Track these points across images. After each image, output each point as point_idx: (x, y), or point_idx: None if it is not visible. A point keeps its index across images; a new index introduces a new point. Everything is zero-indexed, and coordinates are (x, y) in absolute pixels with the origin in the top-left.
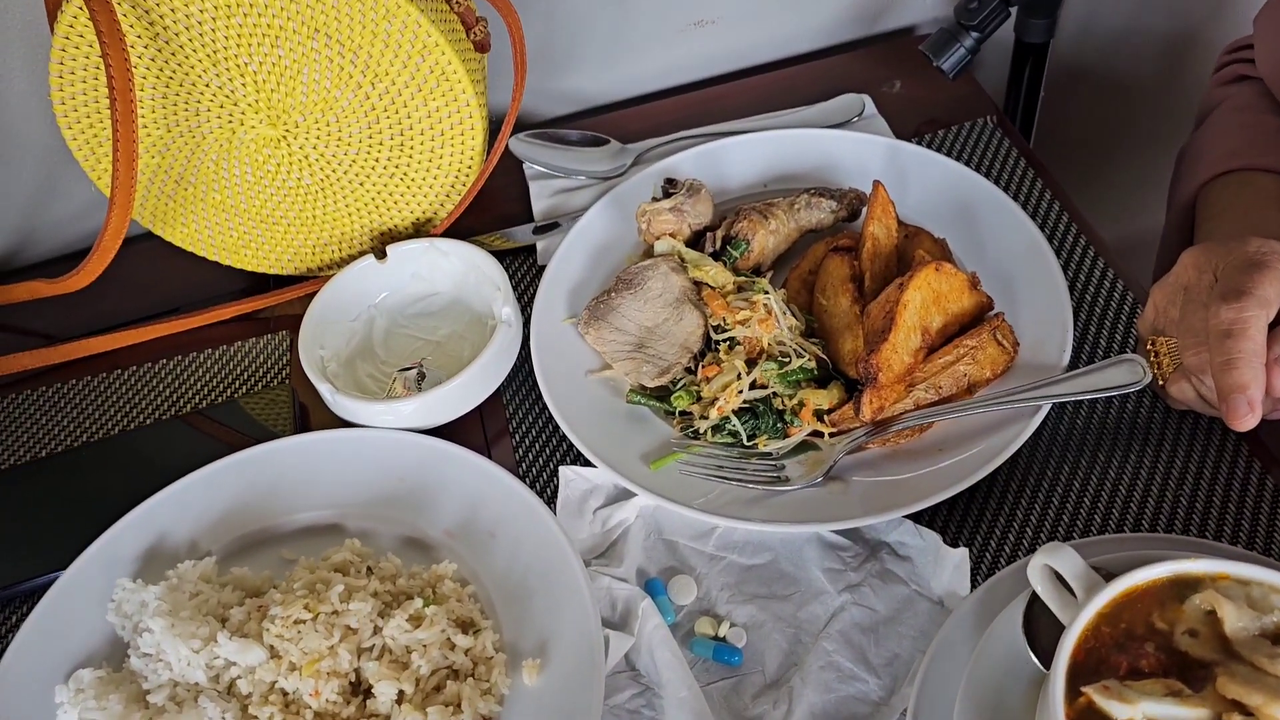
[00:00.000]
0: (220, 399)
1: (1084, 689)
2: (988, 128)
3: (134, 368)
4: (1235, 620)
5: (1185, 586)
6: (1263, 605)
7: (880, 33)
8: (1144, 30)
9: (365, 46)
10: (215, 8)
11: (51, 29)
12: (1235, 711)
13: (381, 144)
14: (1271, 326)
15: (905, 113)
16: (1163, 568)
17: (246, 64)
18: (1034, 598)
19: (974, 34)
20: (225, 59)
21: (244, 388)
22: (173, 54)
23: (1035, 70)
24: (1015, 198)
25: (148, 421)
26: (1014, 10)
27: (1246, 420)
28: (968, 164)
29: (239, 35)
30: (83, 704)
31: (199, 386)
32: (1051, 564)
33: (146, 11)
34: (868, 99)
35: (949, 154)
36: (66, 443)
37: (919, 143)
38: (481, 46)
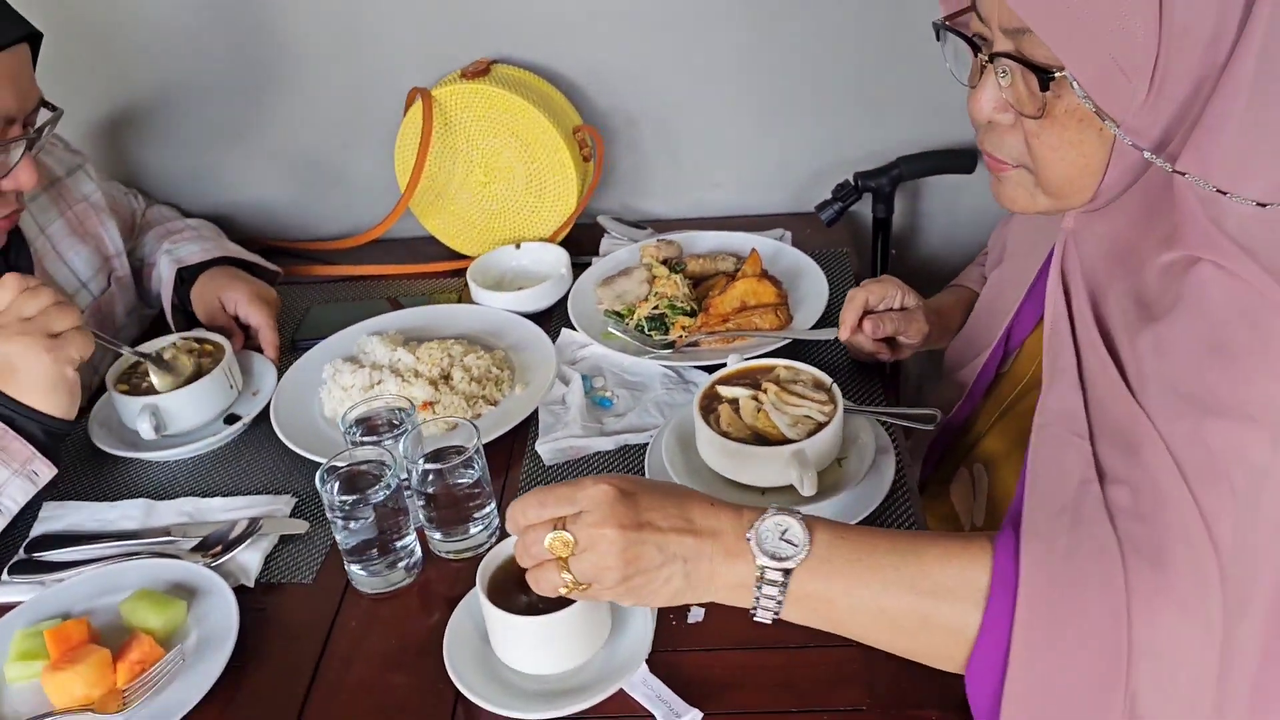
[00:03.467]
0: (426, 301)
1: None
2: (844, 250)
3: (394, 281)
4: (784, 374)
5: (769, 370)
6: (795, 373)
7: (808, 210)
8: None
9: (534, 146)
10: (474, 119)
11: (404, 114)
12: (771, 385)
13: (530, 193)
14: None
15: (807, 242)
16: (763, 362)
17: (481, 145)
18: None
19: (839, 203)
20: (472, 142)
21: (438, 295)
22: (451, 134)
23: (885, 234)
24: (833, 273)
25: (389, 298)
26: (864, 195)
27: (844, 334)
28: (820, 263)
29: (480, 133)
30: (334, 370)
31: (418, 293)
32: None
33: (445, 110)
34: (787, 232)
35: (814, 257)
36: (348, 300)
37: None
38: (586, 159)
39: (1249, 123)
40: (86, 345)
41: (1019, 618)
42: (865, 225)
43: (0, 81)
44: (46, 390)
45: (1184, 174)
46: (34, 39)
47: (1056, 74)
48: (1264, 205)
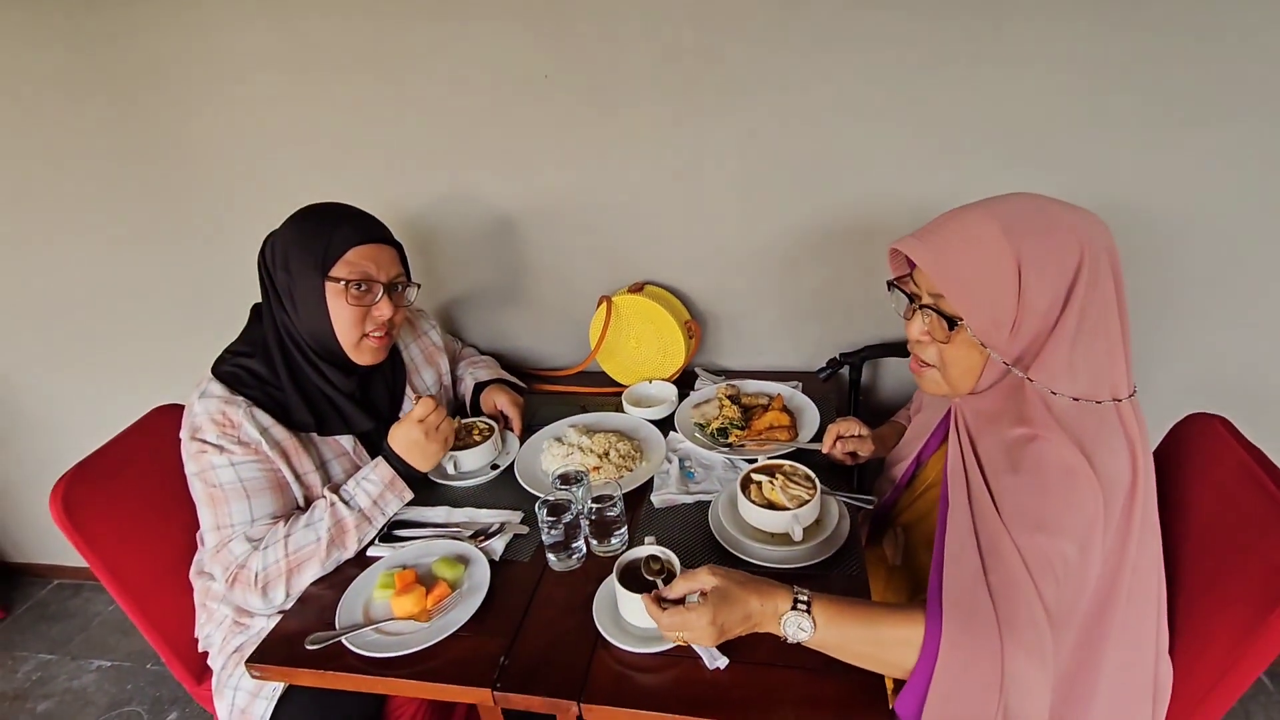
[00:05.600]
0: (600, 409)
1: (749, 472)
2: (832, 396)
3: (585, 396)
4: (788, 470)
5: (781, 466)
6: (795, 469)
7: (815, 369)
8: (903, 390)
9: (663, 330)
10: (633, 313)
11: (596, 308)
12: (781, 475)
13: (658, 354)
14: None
15: (811, 390)
16: (777, 461)
17: (635, 327)
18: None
19: (829, 370)
20: (630, 324)
21: (607, 406)
22: (619, 320)
23: (857, 389)
24: (824, 410)
25: (581, 406)
26: (845, 366)
27: (824, 449)
28: (817, 403)
29: (634, 321)
30: (549, 444)
31: (597, 404)
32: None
33: (618, 307)
34: (799, 383)
35: (812, 399)
36: (560, 404)
37: (809, 397)
38: (690, 337)
39: (1068, 355)
40: (453, 439)
41: (940, 658)
42: (846, 382)
43: (366, 259)
44: (427, 463)
45: (1032, 380)
46: (398, 245)
47: (959, 322)
48: (1076, 400)
